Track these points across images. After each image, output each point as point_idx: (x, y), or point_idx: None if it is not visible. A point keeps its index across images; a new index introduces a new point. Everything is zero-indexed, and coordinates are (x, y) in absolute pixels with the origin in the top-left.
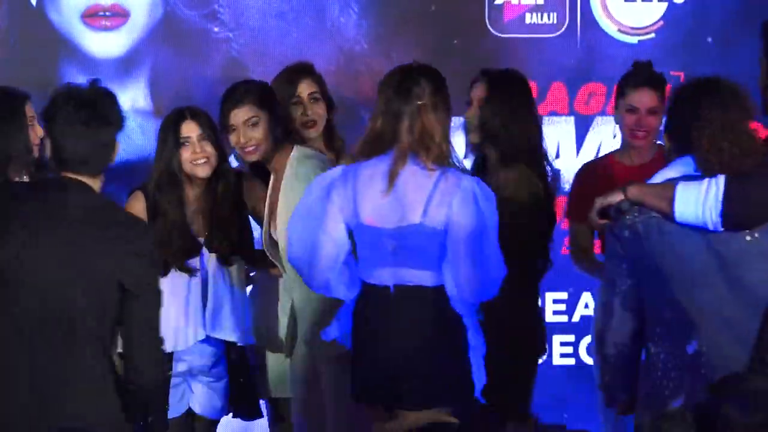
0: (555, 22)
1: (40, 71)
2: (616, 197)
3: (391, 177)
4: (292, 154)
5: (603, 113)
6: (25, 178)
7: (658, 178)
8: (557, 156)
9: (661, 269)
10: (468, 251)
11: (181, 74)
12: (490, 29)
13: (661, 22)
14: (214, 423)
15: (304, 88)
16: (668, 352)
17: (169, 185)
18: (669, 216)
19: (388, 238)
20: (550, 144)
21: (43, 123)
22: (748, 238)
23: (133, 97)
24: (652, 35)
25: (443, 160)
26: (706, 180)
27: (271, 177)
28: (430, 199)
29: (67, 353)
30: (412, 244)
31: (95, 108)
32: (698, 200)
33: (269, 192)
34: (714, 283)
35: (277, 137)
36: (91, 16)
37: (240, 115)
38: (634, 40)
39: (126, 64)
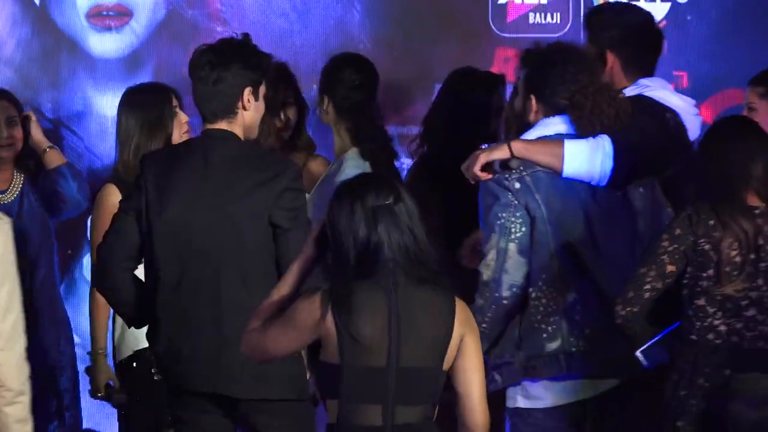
0: (558, 21)
1: (44, 71)
2: (501, 153)
3: None
4: None
5: None
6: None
7: (532, 136)
8: None
9: (549, 221)
10: None
11: (185, 73)
12: (494, 29)
13: (665, 22)
14: None
15: None
16: (550, 298)
17: None
18: (557, 171)
19: None
20: None
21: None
22: (620, 192)
23: None
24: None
25: None
26: (591, 139)
27: None
28: None
29: (230, 292)
30: None
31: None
32: (588, 157)
33: None
34: (593, 236)
35: None
36: (95, 16)
37: None
38: None
39: (129, 64)
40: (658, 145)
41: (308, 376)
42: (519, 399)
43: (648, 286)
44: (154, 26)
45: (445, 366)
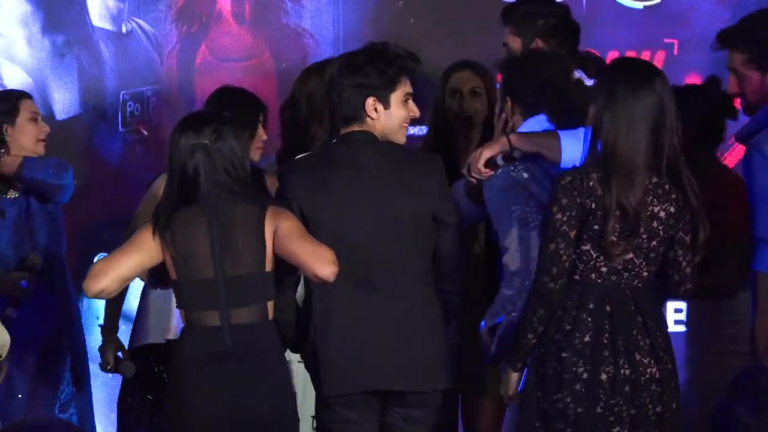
0: None
1: None
2: (502, 146)
3: None
4: None
5: None
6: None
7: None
8: None
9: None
10: None
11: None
12: None
13: None
14: None
15: None
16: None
17: None
18: (556, 162)
19: None
20: None
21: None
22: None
23: None
24: (657, 1)
25: None
26: (576, 131)
27: None
28: None
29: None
30: None
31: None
32: (578, 149)
33: None
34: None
35: None
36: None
37: None
38: (639, 5)
39: None
40: None
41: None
42: None
43: (565, 257)
44: None
45: (269, 266)
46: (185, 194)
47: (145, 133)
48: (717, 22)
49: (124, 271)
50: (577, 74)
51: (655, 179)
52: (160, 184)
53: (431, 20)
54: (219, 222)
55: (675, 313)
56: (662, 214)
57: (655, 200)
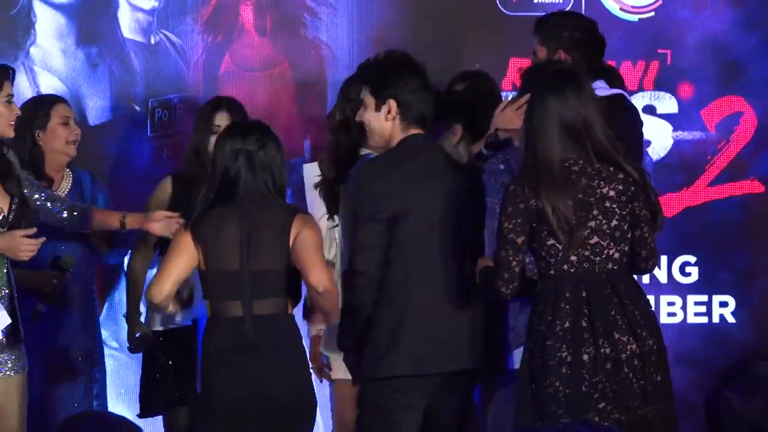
0: (561, 1)
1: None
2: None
3: None
4: None
5: None
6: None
7: None
8: None
9: None
10: None
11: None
12: (500, 8)
13: (660, 2)
14: None
15: None
16: None
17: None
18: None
19: None
20: None
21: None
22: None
23: None
24: (652, 14)
25: None
26: None
27: None
28: None
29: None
30: None
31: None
32: None
33: None
34: None
35: None
36: None
37: None
38: (634, 18)
39: None
40: (631, 142)
41: None
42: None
43: (514, 263)
44: None
45: (291, 265)
46: (223, 194)
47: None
48: (708, 33)
49: (176, 275)
50: (599, 84)
51: (597, 165)
52: (161, 187)
53: (441, 29)
54: (250, 221)
55: (668, 306)
56: (612, 193)
57: (601, 183)
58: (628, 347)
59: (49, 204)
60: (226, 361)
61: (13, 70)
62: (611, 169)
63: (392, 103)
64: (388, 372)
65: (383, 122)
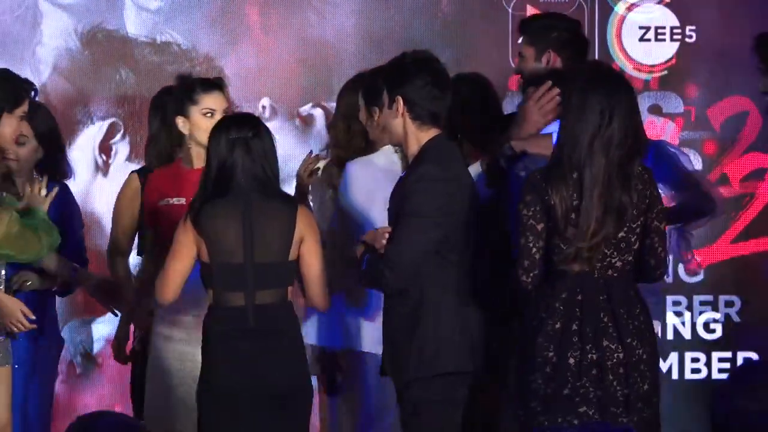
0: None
1: None
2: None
3: None
4: None
5: None
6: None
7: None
8: None
9: None
10: None
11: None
12: (504, 4)
13: (674, 60)
14: None
15: None
16: None
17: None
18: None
19: None
20: None
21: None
22: None
23: None
24: (665, 72)
25: None
26: None
27: None
28: None
29: None
30: None
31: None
32: None
33: None
34: None
35: None
36: None
37: None
38: (648, 76)
39: None
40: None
41: None
42: None
43: (534, 250)
44: None
45: (292, 257)
46: (221, 187)
47: None
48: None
49: (181, 273)
50: None
51: (618, 173)
52: (125, 186)
53: (447, 31)
54: (252, 213)
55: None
56: (626, 202)
57: (618, 192)
58: (616, 355)
59: None
60: (226, 348)
61: (36, 91)
62: (630, 179)
63: (400, 100)
64: (455, 368)
65: (393, 120)
